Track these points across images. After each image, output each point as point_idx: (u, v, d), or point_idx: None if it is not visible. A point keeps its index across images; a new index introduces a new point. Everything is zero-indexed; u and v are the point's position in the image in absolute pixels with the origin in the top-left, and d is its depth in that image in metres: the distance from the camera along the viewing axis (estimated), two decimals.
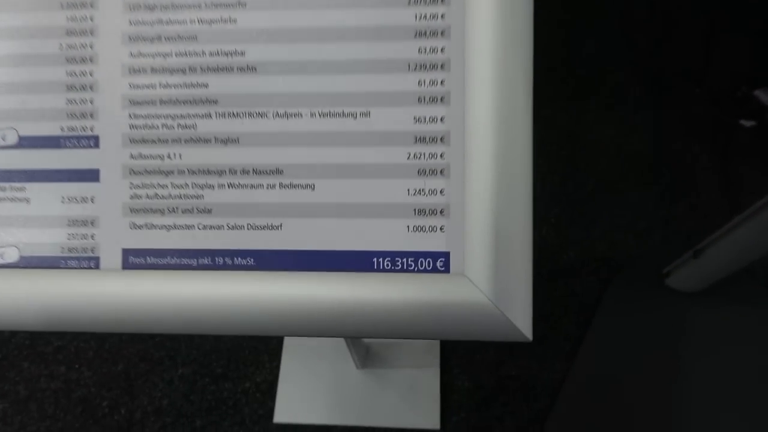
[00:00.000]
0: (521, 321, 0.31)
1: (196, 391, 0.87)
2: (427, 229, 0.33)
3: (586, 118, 1.07)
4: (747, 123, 1.06)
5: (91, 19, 0.35)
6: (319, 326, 0.32)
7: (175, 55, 0.34)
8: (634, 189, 1.03)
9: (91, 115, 0.35)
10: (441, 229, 0.33)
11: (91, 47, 0.35)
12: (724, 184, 1.02)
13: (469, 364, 0.88)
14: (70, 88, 0.35)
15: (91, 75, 0.35)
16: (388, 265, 0.33)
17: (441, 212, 0.33)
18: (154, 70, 0.34)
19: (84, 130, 0.35)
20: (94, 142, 0.35)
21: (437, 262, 0.33)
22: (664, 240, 0.99)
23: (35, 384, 0.88)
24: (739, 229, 0.77)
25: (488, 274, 0.31)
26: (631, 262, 0.97)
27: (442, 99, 0.32)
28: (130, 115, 0.34)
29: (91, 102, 0.35)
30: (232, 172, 0.34)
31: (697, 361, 0.87)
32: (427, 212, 0.33)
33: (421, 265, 0.33)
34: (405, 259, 0.33)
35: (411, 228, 0.33)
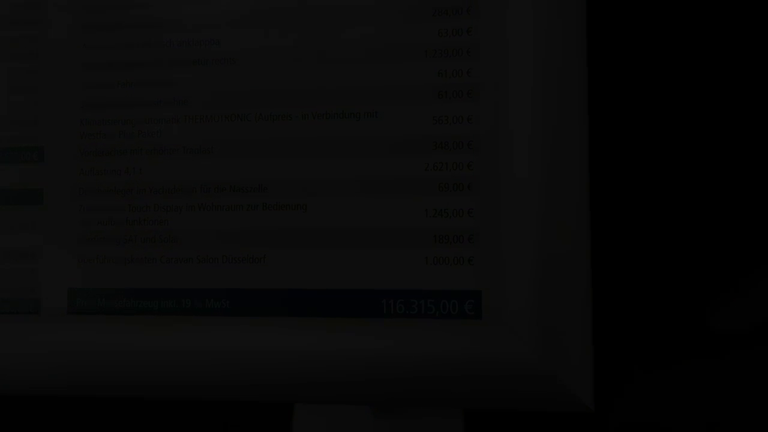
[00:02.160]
0: (579, 384, 0.23)
1: None
2: (451, 261, 0.25)
3: None
4: None
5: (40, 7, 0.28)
6: (310, 389, 0.25)
7: (137, 46, 0.28)
8: None
9: (35, 122, 0.28)
10: (469, 261, 0.25)
11: (38, 40, 0.28)
12: None
13: (496, 410, 0.81)
14: (13, 89, 0.28)
15: (37, 72, 0.28)
16: (400, 309, 0.25)
17: (469, 239, 0.25)
18: (111, 65, 0.28)
19: (26, 140, 0.28)
20: (37, 154, 0.28)
21: (465, 305, 0.25)
22: None
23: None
24: None
25: (534, 321, 0.23)
26: None
27: (469, 93, 0.25)
28: (81, 121, 0.28)
29: (36, 105, 0.28)
30: (204, 189, 0.27)
31: None
32: (450, 239, 0.25)
33: (444, 309, 0.25)
34: (423, 301, 0.25)
35: (430, 260, 0.25)
